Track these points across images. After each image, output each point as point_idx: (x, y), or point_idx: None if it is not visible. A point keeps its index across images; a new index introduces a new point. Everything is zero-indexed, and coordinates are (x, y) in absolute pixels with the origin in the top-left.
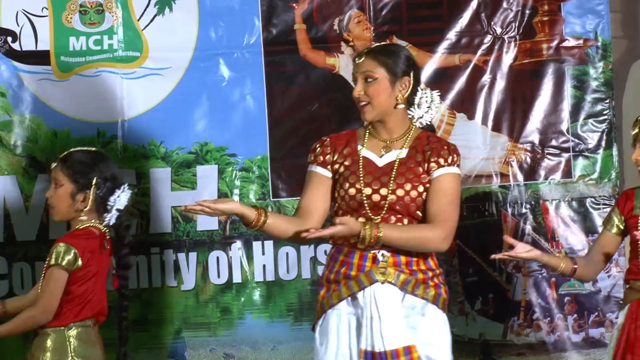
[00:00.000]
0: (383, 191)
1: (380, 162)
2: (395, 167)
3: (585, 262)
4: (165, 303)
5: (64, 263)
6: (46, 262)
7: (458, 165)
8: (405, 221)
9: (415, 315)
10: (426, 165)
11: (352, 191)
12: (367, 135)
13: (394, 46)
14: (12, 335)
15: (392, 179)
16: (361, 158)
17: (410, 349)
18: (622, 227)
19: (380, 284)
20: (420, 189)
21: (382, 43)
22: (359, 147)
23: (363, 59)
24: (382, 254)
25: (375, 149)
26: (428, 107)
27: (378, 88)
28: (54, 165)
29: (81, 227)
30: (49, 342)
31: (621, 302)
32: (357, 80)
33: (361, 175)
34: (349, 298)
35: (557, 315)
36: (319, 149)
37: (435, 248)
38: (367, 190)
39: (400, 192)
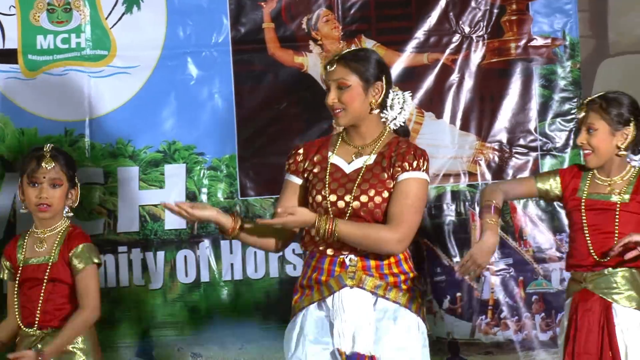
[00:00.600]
0: (347, 198)
1: (348, 168)
2: (361, 174)
3: (501, 200)
4: (133, 302)
5: (98, 260)
6: (76, 264)
7: (425, 171)
8: None
9: (387, 319)
10: (391, 170)
11: (319, 198)
12: (339, 142)
13: (365, 51)
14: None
15: (357, 185)
16: (329, 165)
17: (373, 358)
18: (550, 195)
19: (350, 289)
20: (385, 194)
21: (353, 49)
22: (329, 154)
23: (335, 66)
24: (350, 259)
25: (345, 155)
26: (401, 108)
27: (352, 95)
28: (49, 166)
29: (71, 224)
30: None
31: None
32: (330, 88)
33: (327, 182)
34: (319, 302)
35: (524, 314)
36: (292, 157)
37: (389, 250)
38: (332, 197)
39: (364, 199)
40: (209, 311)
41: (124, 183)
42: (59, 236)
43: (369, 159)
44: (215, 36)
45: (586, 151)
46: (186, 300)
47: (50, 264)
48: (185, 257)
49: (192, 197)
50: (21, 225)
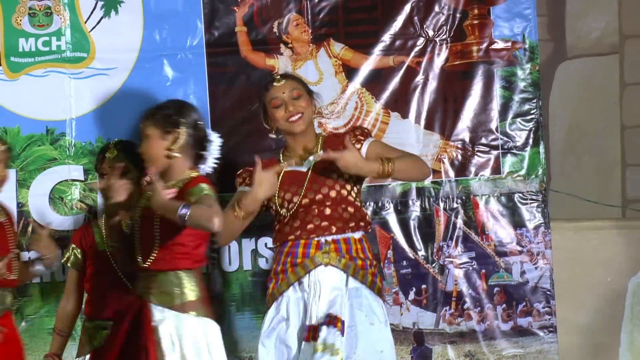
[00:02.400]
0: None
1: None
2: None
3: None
4: None
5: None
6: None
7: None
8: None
9: (357, 297)
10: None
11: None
12: (282, 157)
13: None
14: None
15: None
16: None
17: (337, 318)
18: None
19: (324, 267)
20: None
21: (288, 72)
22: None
23: (283, 82)
24: (325, 240)
25: (296, 164)
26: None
27: (306, 101)
28: (111, 154)
29: None
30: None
31: (549, 292)
32: (283, 101)
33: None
34: (296, 283)
35: (487, 305)
36: (245, 174)
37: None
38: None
39: (320, 194)
40: None
41: None
42: None
43: (317, 157)
44: (190, 39)
45: None
46: None
47: None
48: None
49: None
50: None
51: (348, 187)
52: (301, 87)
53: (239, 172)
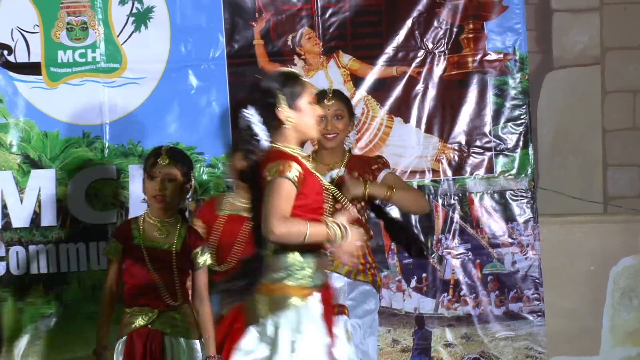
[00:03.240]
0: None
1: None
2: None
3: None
4: None
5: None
6: (193, 260)
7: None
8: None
9: (357, 292)
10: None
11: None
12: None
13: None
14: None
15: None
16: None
17: (344, 306)
18: None
19: (329, 273)
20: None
21: (340, 92)
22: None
23: (332, 102)
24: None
25: (320, 171)
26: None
27: (344, 124)
28: (165, 162)
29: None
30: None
31: (537, 280)
32: (326, 118)
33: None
34: None
35: (481, 292)
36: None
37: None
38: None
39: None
40: None
41: (134, 179)
42: (178, 227)
43: (340, 171)
44: (212, 51)
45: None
46: None
47: (174, 251)
48: None
49: (193, 191)
50: (45, 216)
51: (358, 205)
52: (345, 109)
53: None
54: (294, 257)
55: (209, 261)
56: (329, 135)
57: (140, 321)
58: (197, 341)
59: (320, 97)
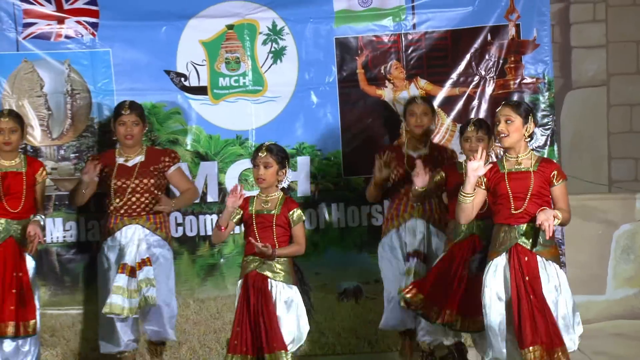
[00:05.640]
0: None
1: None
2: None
3: None
4: None
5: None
6: (289, 219)
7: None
8: None
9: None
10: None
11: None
12: (406, 143)
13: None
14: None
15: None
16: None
17: (420, 252)
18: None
19: (415, 219)
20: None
21: (425, 98)
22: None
23: (420, 102)
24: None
25: (412, 150)
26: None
27: (428, 119)
28: (263, 154)
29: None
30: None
31: (560, 240)
32: (416, 114)
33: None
34: (397, 227)
35: None
36: (381, 153)
37: None
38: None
39: None
40: (324, 247)
41: None
42: (278, 200)
43: (425, 152)
44: (327, 78)
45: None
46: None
47: (274, 215)
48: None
49: (313, 176)
50: (211, 192)
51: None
52: (429, 109)
53: (379, 149)
54: None
55: (303, 217)
56: (417, 127)
57: (251, 267)
58: (294, 286)
59: (412, 100)
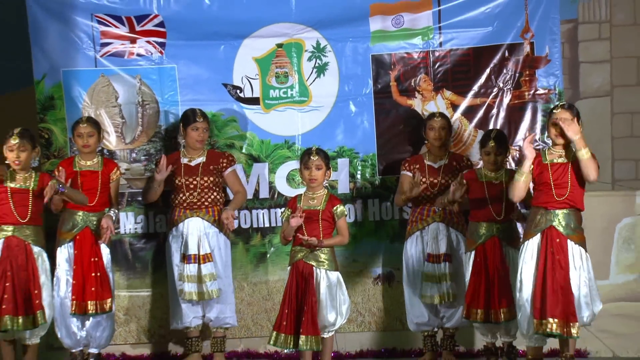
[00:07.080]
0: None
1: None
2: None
3: None
4: None
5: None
6: (333, 214)
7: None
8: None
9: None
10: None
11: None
12: (427, 155)
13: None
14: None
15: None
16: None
17: (445, 255)
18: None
19: (437, 223)
20: None
21: (444, 113)
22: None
23: (438, 118)
24: (435, 208)
25: (432, 161)
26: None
27: (446, 133)
28: (315, 158)
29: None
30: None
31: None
32: (435, 129)
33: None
34: (421, 230)
35: None
36: (407, 163)
37: None
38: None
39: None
40: (361, 237)
41: None
42: (324, 196)
43: (445, 162)
44: (364, 90)
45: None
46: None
47: (320, 210)
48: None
49: (352, 176)
50: (262, 190)
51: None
52: (446, 124)
53: (404, 161)
54: None
55: (345, 212)
56: (436, 140)
57: (299, 256)
58: (337, 272)
59: (431, 116)
